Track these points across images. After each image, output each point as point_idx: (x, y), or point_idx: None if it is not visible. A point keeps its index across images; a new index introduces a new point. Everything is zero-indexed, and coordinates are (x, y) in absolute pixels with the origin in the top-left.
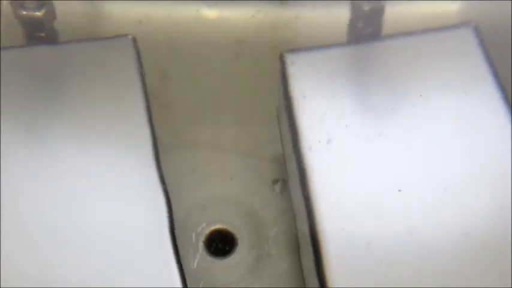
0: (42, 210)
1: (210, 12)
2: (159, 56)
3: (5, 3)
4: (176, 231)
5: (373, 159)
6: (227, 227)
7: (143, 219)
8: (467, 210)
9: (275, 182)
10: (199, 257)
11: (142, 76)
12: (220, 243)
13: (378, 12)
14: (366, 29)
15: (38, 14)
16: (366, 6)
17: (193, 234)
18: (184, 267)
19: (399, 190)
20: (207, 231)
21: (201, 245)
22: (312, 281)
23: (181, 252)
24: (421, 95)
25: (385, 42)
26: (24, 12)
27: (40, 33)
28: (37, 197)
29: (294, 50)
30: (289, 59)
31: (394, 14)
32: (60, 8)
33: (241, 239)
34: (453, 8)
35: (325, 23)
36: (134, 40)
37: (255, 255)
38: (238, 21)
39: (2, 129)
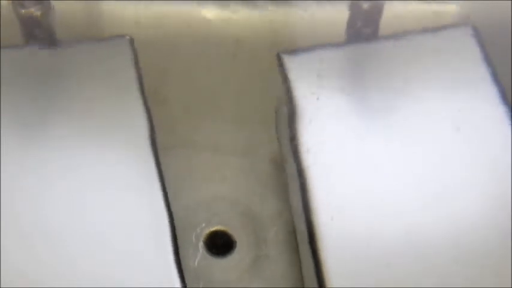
0: (41, 210)
1: (208, 12)
2: (157, 55)
3: (3, 3)
4: (176, 231)
5: (372, 160)
6: (226, 228)
7: (143, 219)
8: (466, 210)
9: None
10: (199, 257)
11: (140, 76)
12: (220, 243)
13: (377, 12)
14: (365, 29)
15: (37, 13)
16: (365, 6)
17: (193, 234)
18: (184, 267)
19: (398, 190)
20: (207, 231)
21: (201, 244)
22: (311, 281)
23: (181, 252)
24: (420, 95)
25: (384, 42)
26: (23, 12)
27: (38, 33)
28: (36, 197)
29: (292, 50)
30: (287, 59)
31: (393, 13)
32: (58, 7)
33: (239, 240)
34: (453, 8)
35: (324, 22)
36: (131, 41)
37: (254, 256)
38: (237, 21)
39: (0, 129)
